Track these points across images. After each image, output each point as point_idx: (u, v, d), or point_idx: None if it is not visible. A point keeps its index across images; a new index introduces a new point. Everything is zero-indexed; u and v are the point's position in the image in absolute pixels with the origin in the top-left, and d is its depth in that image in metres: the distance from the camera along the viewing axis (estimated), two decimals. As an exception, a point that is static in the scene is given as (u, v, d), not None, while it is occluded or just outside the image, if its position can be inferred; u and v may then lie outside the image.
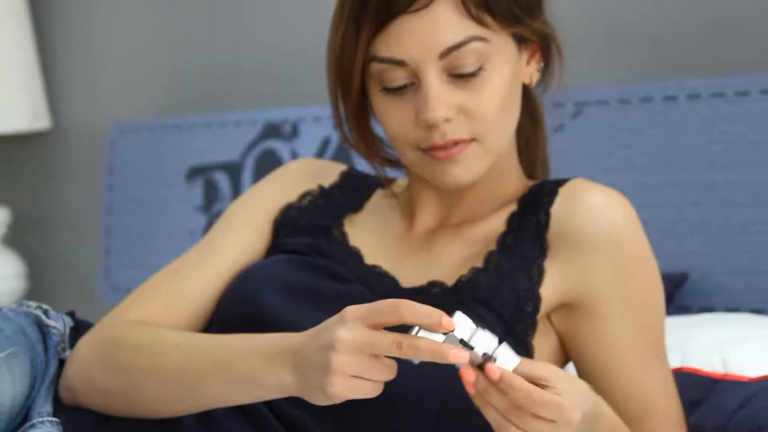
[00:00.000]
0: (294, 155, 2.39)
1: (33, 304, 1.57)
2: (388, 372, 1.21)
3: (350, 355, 1.20)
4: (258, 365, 1.31)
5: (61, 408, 1.50)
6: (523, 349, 1.40)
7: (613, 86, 2.10)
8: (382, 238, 1.55)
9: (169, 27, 2.70)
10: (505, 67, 1.41)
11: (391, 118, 1.42)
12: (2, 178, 2.93)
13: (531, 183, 1.54)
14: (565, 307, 1.44)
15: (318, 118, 2.35)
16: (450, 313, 1.26)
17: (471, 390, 1.21)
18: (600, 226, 1.43)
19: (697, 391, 1.61)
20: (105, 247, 2.64)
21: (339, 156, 2.31)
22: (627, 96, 2.01)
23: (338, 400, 1.23)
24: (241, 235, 1.58)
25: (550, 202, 1.44)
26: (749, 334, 1.73)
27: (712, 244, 1.94)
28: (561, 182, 1.47)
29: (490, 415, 1.21)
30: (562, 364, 1.50)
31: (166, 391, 1.39)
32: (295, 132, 2.39)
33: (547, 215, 1.44)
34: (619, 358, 1.45)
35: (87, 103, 2.84)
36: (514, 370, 1.21)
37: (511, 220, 1.48)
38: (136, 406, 1.42)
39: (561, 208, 1.43)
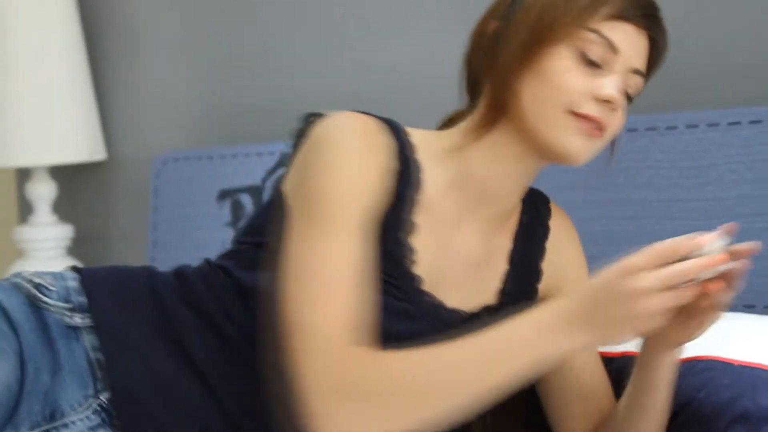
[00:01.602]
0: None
1: (27, 276, 1.42)
2: (680, 298, 1.19)
3: (654, 298, 1.17)
4: (549, 341, 1.21)
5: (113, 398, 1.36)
6: None
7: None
8: (432, 244, 1.40)
9: (202, 73, 2.72)
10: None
11: (570, 76, 1.35)
12: (67, 200, 2.94)
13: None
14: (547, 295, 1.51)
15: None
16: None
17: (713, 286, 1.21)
18: (572, 237, 1.56)
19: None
20: (151, 257, 2.65)
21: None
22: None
23: (643, 336, 1.30)
24: (362, 242, 1.30)
25: (548, 216, 1.53)
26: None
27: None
28: (545, 198, 1.55)
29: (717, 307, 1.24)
30: None
31: (465, 394, 1.23)
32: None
33: (547, 228, 1.53)
34: None
35: (135, 139, 2.86)
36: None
37: (516, 237, 1.49)
38: (422, 423, 1.23)
39: (554, 224, 1.54)
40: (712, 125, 1.92)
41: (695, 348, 1.55)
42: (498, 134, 1.38)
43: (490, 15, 1.42)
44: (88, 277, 1.44)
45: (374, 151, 1.32)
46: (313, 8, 2.48)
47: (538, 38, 1.34)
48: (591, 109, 1.35)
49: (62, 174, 2.93)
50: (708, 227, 1.28)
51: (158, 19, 2.78)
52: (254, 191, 2.46)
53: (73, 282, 1.42)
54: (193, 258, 2.46)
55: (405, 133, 1.39)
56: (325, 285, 1.24)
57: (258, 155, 2.45)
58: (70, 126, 2.74)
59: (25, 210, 2.98)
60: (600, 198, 2.00)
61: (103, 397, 1.37)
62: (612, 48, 1.35)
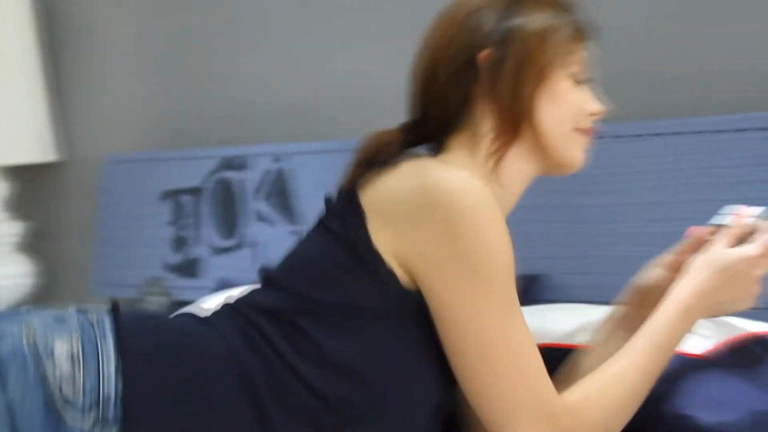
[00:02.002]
0: (241, 183, 2.39)
1: (31, 323, 1.15)
2: None
3: (759, 269, 1.32)
4: (686, 326, 1.34)
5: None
6: None
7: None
8: None
9: (152, 82, 2.70)
10: None
11: (574, 99, 1.38)
12: (20, 198, 2.89)
13: None
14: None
15: (261, 154, 2.36)
16: None
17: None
18: None
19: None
20: (97, 252, 2.65)
21: (276, 183, 2.34)
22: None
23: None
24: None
25: None
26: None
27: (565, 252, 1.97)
28: None
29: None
30: None
31: (644, 391, 1.32)
32: (243, 165, 2.39)
33: None
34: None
35: (85, 141, 2.83)
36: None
37: None
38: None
39: None
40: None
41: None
42: (515, 155, 1.37)
43: (469, 40, 1.35)
44: (130, 366, 1.15)
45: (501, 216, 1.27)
46: (260, 20, 2.49)
47: (545, 67, 1.35)
48: (588, 123, 1.40)
49: (15, 174, 2.88)
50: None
51: (114, 31, 2.79)
52: (195, 192, 2.47)
53: (111, 381, 1.13)
54: (138, 255, 2.52)
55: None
56: (524, 359, 1.24)
57: (200, 159, 2.46)
58: (21, 128, 2.73)
59: None
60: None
61: None
62: (586, 65, 1.41)
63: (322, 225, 1.31)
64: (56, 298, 2.85)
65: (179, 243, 2.50)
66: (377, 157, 1.32)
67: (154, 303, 2.40)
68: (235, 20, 2.53)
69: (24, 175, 2.92)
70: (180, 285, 2.45)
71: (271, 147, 2.38)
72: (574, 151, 1.40)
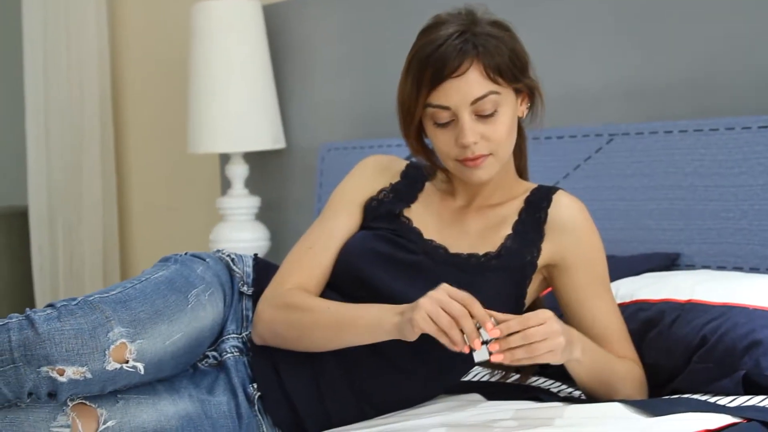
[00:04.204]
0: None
1: (225, 252, 1.60)
2: (450, 325, 1.28)
3: (431, 302, 1.30)
4: (372, 321, 1.39)
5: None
6: (521, 294, 1.51)
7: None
8: (432, 217, 1.55)
9: (357, 84, 2.73)
10: (509, 108, 1.47)
11: (440, 141, 1.46)
12: (258, 177, 2.98)
13: (528, 185, 1.59)
14: (552, 267, 1.53)
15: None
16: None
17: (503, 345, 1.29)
18: (573, 220, 1.53)
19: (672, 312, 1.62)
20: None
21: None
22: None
23: (418, 331, 1.31)
24: (343, 219, 1.55)
25: (548, 206, 1.53)
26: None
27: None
28: (551, 190, 1.56)
29: (516, 354, 1.29)
30: (539, 294, 1.59)
31: (323, 337, 1.44)
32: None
33: (546, 214, 1.53)
34: (583, 294, 1.52)
35: (307, 132, 2.89)
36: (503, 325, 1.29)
37: (521, 213, 1.54)
38: (304, 347, 1.48)
39: (553, 211, 1.53)
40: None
41: (714, 294, 1.62)
42: None
43: None
44: (260, 266, 1.62)
45: None
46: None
47: (411, 121, 1.47)
48: (464, 154, 1.45)
49: (253, 158, 3.00)
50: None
51: (327, 44, 2.84)
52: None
53: (248, 268, 1.60)
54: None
55: None
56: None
57: (397, 146, 2.46)
58: (259, 123, 2.81)
59: (225, 185, 3.03)
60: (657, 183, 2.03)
61: (245, 336, 1.55)
62: (444, 108, 1.43)
63: None
64: (281, 259, 2.93)
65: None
66: None
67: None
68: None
69: (259, 159, 3.02)
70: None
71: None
72: (463, 174, 1.48)
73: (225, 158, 3.00)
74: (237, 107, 2.78)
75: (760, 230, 1.87)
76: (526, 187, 1.59)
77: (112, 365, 1.36)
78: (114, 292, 1.43)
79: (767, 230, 1.86)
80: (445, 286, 1.32)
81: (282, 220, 2.97)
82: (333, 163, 2.67)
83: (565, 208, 1.54)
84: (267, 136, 2.83)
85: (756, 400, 1.46)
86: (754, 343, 1.51)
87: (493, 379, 1.70)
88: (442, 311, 1.29)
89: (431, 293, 1.31)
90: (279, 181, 2.99)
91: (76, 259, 3.33)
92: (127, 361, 1.38)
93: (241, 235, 2.86)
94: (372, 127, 2.69)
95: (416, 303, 1.32)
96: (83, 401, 1.39)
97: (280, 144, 2.89)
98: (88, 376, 1.35)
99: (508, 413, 1.40)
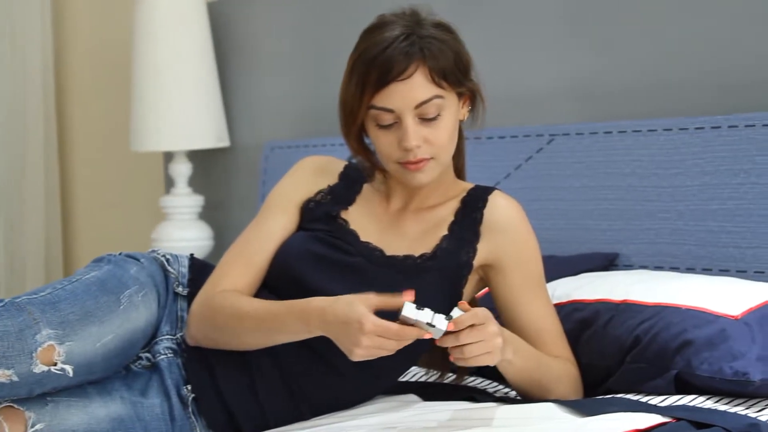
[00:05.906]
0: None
1: (160, 253, 1.59)
2: (394, 346, 1.30)
3: (371, 339, 1.28)
4: (297, 324, 1.38)
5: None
6: (456, 294, 1.51)
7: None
8: (370, 219, 1.56)
9: (303, 81, 2.71)
10: (452, 112, 1.47)
11: (382, 143, 1.46)
12: (201, 176, 2.95)
13: (465, 185, 1.59)
14: (488, 267, 1.54)
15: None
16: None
17: (439, 343, 1.30)
18: (508, 221, 1.54)
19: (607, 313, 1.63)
20: None
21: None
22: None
23: (360, 360, 1.32)
24: (280, 220, 1.54)
25: (484, 206, 1.54)
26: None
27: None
28: (488, 190, 1.56)
29: (454, 353, 1.30)
30: (475, 294, 1.60)
31: (250, 338, 1.45)
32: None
33: (482, 215, 1.54)
34: (518, 294, 1.53)
35: (251, 130, 2.86)
36: (457, 320, 1.28)
37: (457, 213, 1.54)
38: (234, 346, 1.48)
39: (489, 211, 1.54)
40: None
41: (648, 294, 1.63)
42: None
43: None
44: (196, 266, 1.61)
45: None
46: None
47: (353, 122, 1.47)
48: (406, 157, 1.45)
49: (196, 157, 2.97)
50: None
51: (272, 42, 2.81)
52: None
53: (184, 269, 1.60)
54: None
55: None
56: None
57: (340, 145, 2.32)
58: (203, 121, 2.80)
59: (168, 183, 3.01)
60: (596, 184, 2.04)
61: (179, 337, 1.55)
62: (388, 111, 1.43)
63: None
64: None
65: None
66: None
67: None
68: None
69: (203, 158, 3.00)
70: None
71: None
72: (404, 177, 1.48)
73: (168, 156, 2.97)
74: (180, 105, 2.77)
75: (696, 231, 1.88)
76: (463, 188, 1.59)
77: (39, 368, 1.37)
78: (43, 294, 1.43)
79: (703, 231, 1.88)
80: (367, 303, 1.30)
81: (225, 219, 2.95)
82: (277, 162, 2.67)
83: (500, 209, 1.55)
84: (211, 134, 2.81)
85: (687, 400, 1.48)
86: (685, 342, 1.53)
87: (429, 380, 1.70)
88: (381, 350, 1.30)
89: (359, 340, 1.28)
90: (223, 180, 2.98)
91: (17, 258, 3.25)
92: (55, 364, 1.38)
93: (185, 234, 2.84)
94: (317, 126, 2.69)
95: (353, 337, 1.29)
96: (11, 404, 1.39)
97: (224, 142, 2.87)
98: (15, 378, 1.36)
99: (444, 414, 1.40)
